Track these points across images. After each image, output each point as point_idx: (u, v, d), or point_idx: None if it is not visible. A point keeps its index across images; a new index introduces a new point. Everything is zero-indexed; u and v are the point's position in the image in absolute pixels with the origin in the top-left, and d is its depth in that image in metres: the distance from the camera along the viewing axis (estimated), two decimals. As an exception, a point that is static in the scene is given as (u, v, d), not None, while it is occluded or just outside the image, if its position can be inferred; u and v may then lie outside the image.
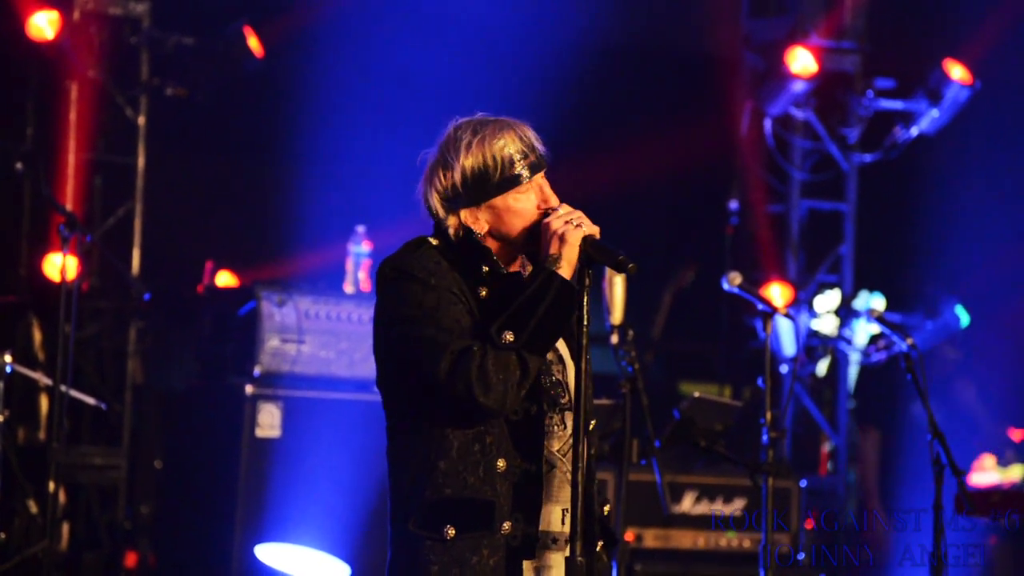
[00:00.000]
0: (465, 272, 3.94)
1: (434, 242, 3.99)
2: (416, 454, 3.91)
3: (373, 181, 10.08)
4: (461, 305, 3.88)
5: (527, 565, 3.90)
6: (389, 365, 3.96)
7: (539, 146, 4.00)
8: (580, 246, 3.87)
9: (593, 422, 4.05)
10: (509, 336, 3.81)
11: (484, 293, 3.92)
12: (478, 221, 3.97)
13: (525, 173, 3.95)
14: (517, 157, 3.95)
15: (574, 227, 3.87)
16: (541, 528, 3.91)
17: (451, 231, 3.97)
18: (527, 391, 3.88)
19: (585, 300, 3.87)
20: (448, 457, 3.88)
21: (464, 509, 3.86)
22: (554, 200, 3.97)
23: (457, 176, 3.95)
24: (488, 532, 3.86)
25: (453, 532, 3.86)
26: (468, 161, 3.94)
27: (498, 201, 3.96)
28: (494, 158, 3.94)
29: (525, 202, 3.96)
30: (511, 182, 3.94)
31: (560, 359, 4.00)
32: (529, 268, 3.99)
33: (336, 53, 10.19)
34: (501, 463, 3.88)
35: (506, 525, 3.87)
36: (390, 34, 10.37)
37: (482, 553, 3.86)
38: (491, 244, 3.98)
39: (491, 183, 3.94)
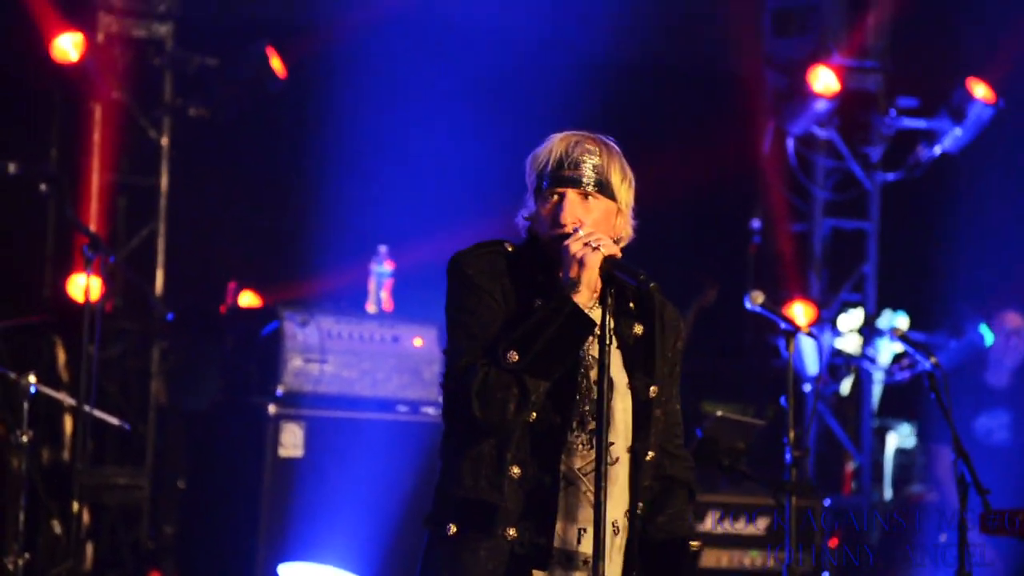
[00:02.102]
0: (524, 280, 3.95)
1: (508, 247, 4.01)
2: (449, 452, 3.98)
3: (395, 201, 10.09)
4: (498, 312, 3.90)
5: None
6: (444, 364, 4.02)
7: (600, 172, 3.97)
8: (600, 267, 3.86)
9: (651, 453, 4.04)
10: (513, 357, 3.81)
11: (539, 304, 3.92)
12: (534, 219, 4.02)
13: (557, 179, 3.95)
14: (559, 163, 3.96)
15: (592, 249, 3.86)
16: (557, 545, 3.91)
17: (521, 220, 4.04)
18: (555, 404, 3.88)
19: (608, 320, 3.86)
20: (469, 458, 3.91)
21: (468, 509, 3.90)
22: (569, 218, 3.95)
23: (526, 168, 4.05)
24: (487, 535, 3.87)
25: (454, 529, 3.90)
26: (533, 155, 4.02)
27: (536, 203, 4.00)
28: (542, 158, 3.99)
29: (549, 210, 3.98)
30: (543, 184, 3.98)
31: (611, 384, 3.95)
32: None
33: (358, 74, 10.22)
34: (516, 470, 3.89)
35: (511, 531, 3.87)
36: (412, 54, 10.38)
37: (479, 555, 3.87)
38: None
39: (533, 179, 4.01)
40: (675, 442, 4.15)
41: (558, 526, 3.90)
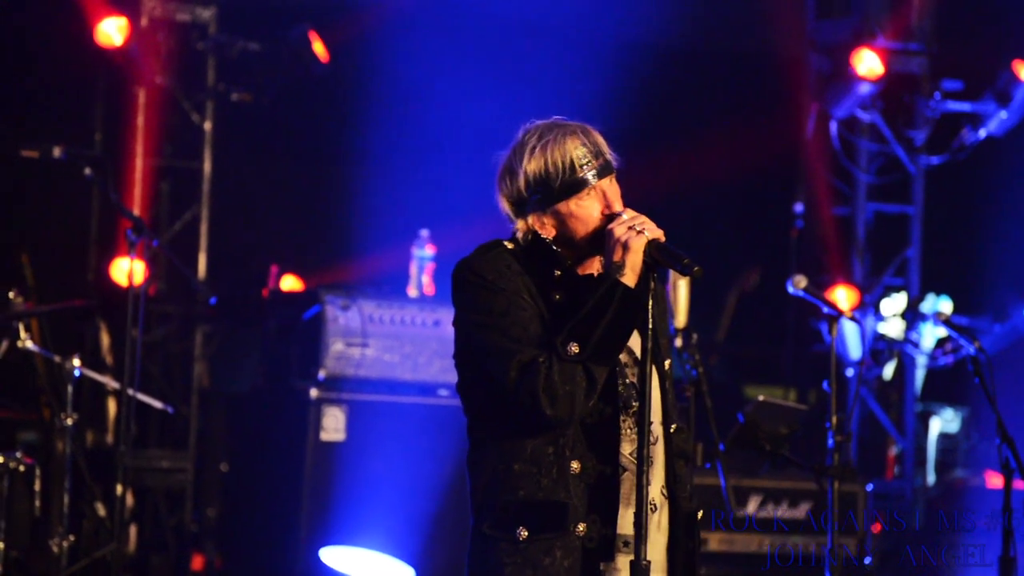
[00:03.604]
0: (538, 276, 3.94)
1: (509, 245, 3.99)
2: (492, 457, 3.92)
3: (437, 185, 10.10)
4: (530, 310, 3.88)
5: (603, 568, 3.88)
6: (464, 372, 3.98)
7: (607, 151, 3.98)
8: (644, 251, 3.85)
9: (674, 426, 4.04)
10: (575, 348, 3.81)
11: (558, 297, 3.91)
12: (544, 226, 3.97)
13: (588, 178, 3.93)
14: (580, 162, 3.93)
15: (636, 233, 3.85)
16: (619, 532, 3.90)
17: (519, 235, 3.98)
18: (601, 394, 3.88)
19: (650, 304, 3.86)
20: (522, 459, 3.88)
21: (537, 510, 3.86)
22: (618, 205, 3.95)
23: (521, 181, 3.96)
24: (561, 533, 3.86)
25: (526, 533, 3.86)
26: (531, 166, 3.95)
27: (562, 206, 3.95)
28: (556, 163, 3.93)
29: (589, 207, 3.95)
30: (573, 187, 3.93)
31: (636, 362, 3.97)
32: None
33: (400, 57, 10.22)
34: (575, 465, 3.88)
35: (581, 527, 3.87)
36: (453, 37, 10.38)
37: (555, 555, 3.85)
38: (562, 249, 3.97)
39: (553, 188, 3.93)
40: (674, 414, 4.15)
41: (619, 514, 3.90)
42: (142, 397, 8.11)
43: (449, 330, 8.69)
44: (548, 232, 3.96)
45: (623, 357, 3.95)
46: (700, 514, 4.06)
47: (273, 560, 8.56)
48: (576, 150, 3.94)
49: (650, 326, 3.85)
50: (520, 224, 3.98)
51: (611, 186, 3.97)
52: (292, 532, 8.35)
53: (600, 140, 3.99)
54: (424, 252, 9.06)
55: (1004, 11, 11.21)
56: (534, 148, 3.95)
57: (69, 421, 7.60)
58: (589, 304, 3.83)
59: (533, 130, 3.99)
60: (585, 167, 3.94)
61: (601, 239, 3.92)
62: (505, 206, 4.01)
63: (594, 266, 3.99)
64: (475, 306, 3.91)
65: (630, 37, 10.55)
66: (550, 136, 3.96)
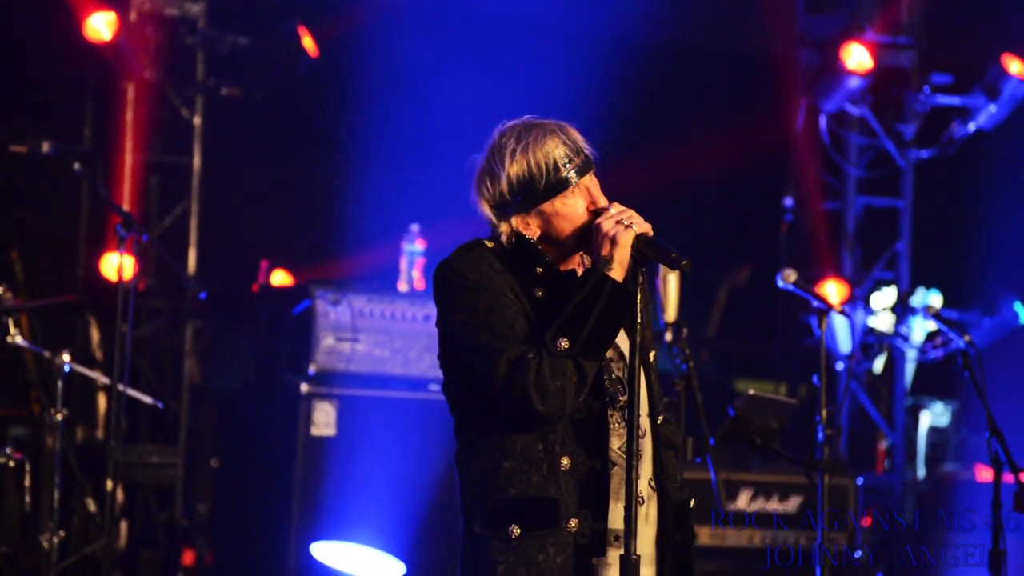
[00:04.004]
0: (520, 273, 3.93)
1: (489, 244, 3.98)
2: (481, 456, 3.92)
3: (427, 179, 10.09)
4: (514, 308, 3.87)
5: (595, 562, 3.88)
6: (450, 373, 3.97)
7: (585, 147, 3.97)
8: (632, 245, 3.85)
9: (661, 417, 4.03)
10: (564, 343, 3.80)
11: (540, 294, 3.91)
12: (529, 227, 3.96)
13: (571, 177, 3.93)
14: (562, 161, 3.92)
15: (624, 227, 3.85)
16: (609, 526, 3.90)
17: (503, 238, 3.96)
18: (589, 389, 3.87)
19: (638, 298, 3.86)
20: (512, 457, 3.88)
21: (528, 508, 3.86)
22: (603, 200, 3.95)
23: (503, 185, 3.94)
24: (553, 530, 3.86)
25: (518, 531, 3.86)
26: (513, 169, 3.93)
27: (547, 206, 3.94)
28: (539, 164, 3.92)
29: (574, 205, 3.94)
30: (557, 187, 3.92)
31: (621, 356, 3.97)
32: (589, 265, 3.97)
33: (390, 53, 10.22)
34: (565, 461, 3.88)
35: (572, 523, 3.87)
36: (443, 32, 10.38)
37: (548, 551, 3.85)
38: (545, 247, 3.97)
39: (537, 190, 3.92)
40: (660, 406, 4.15)
41: (610, 508, 3.90)
42: (132, 392, 8.09)
43: (439, 325, 8.72)
44: (533, 232, 3.96)
45: (608, 352, 3.94)
46: (692, 503, 4.07)
47: (264, 555, 8.56)
48: (557, 149, 3.93)
49: (639, 320, 3.85)
50: (504, 227, 3.96)
51: (592, 181, 3.97)
52: (283, 527, 8.35)
53: (578, 137, 3.98)
54: (414, 247, 9.06)
55: (993, 5, 11.22)
56: (514, 151, 3.93)
57: (59, 416, 7.59)
58: (577, 299, 3.82)
59: (509, 132, 3.97)
60: (567, 166, 3.93)
61: (588, 235, 3.92)
62: (486, 209, 3.98)
63: (575, 262, 3.98)
64: (459, 306, 3.90)
65: (621, 33, 10.55)
66: (529, 138, 3.94)
